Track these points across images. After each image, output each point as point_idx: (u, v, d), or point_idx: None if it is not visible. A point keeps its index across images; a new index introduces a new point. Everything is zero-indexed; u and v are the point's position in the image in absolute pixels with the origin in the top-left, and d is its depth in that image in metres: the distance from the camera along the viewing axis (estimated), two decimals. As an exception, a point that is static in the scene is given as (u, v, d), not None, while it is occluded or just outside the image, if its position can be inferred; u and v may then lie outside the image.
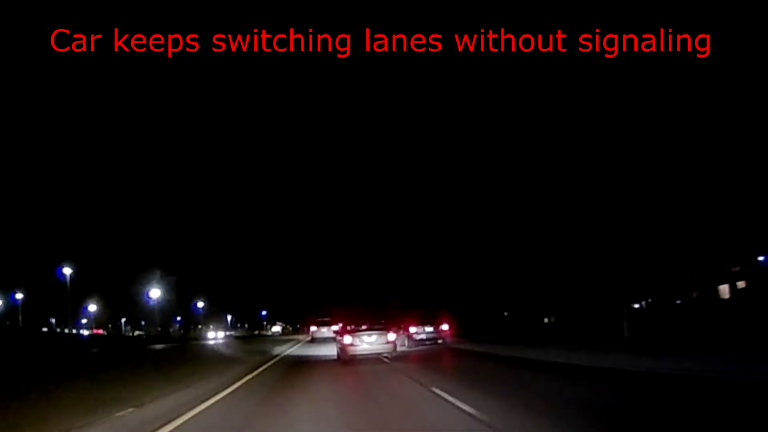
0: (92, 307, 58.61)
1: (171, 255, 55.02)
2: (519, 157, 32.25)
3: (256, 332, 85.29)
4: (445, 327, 27.02)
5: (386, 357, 18.28)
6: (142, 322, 75.07)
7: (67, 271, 43.24)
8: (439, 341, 26.12)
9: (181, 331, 76.46)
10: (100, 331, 73.06)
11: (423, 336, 26.18)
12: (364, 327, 18.41)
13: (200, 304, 66.22)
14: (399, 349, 24.85)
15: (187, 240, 59.42)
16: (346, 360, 17.65)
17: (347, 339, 17.92)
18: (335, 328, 23.30)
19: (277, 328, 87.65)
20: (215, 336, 63.85)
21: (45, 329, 60.61)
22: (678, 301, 30.65)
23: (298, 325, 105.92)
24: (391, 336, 18.43)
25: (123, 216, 49.88)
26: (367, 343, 17.72)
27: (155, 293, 48.57)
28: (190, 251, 59.60)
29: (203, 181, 69.77)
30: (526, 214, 32.08)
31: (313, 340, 37.23)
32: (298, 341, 42.54)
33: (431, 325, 26.60)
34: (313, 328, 39.65)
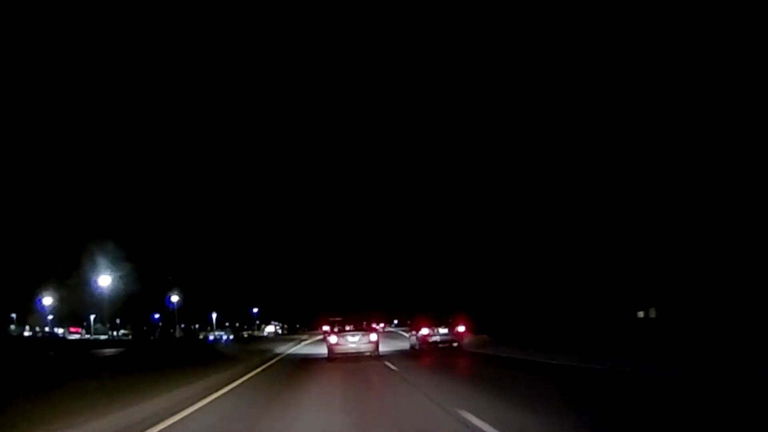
0: (47, 301, 47.88)
1: (148, 242, 50.15)
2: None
3: (246, 333, 78.03)
4: (461, 328, 24.92)
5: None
6: (117, 320, 69.53)
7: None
8: (454, 344, 24.17)
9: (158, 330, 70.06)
10: (78, 330, 68.93)
11: (437, 338, 24.20)
12: (348, 328, 20.77)
13: (174, 298, 55.65)
14: (408, 350, 25.72)
15: (164, 226, 54.43)
16: (333, 358, 20.00)
17: (333, 339, 20.48)
18: (348, 327, 23.29)
19: (270, 328, 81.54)
20: None
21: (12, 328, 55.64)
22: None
23: (297, 325, 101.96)
24: (373, 337, 20.52)
25: (87, 194, 45.33)
26: (352, 342, 20.10)
27: (105, 281, 40.43)
28: (167, 238, 54.45)
29: (185, 163, 65.97)
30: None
31: (325, 339, 37.96)
32: (300, 341, 41.30)
33: (446, 326, 24.56)
34: (325, 328, 41.38)
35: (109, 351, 28.73)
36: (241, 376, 14.46)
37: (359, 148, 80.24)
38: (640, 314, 28.97)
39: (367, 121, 73.85)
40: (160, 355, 25.94)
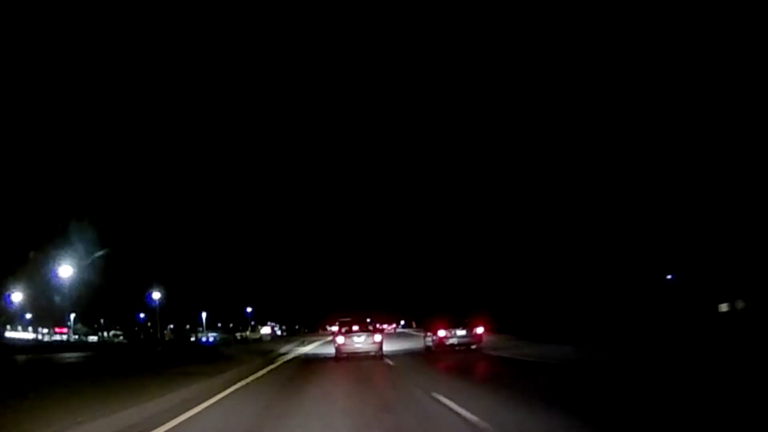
0: (16, 296, 43.63)
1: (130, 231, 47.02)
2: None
3: (239, 335, 73.24)
4: (479, 330, 24.08)
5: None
6: (101, 320, 66.22)
7: None
8: (473, 346, 23.55)
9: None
10: (65, 331, 65.88)
11: (454, 340, 23.57)
12: (355, 329, 22.28)
13: (156, 295, 51.11)
14: (422, 352, 25.04)
15: (146, 216, 51.27)
16: (339, 357, 21.63)
17: (340, 339, 22.19)
18: (355, 328, 24.28)
19: (267, 330, 77.98)
20: None
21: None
22: None
23: (297, 327, 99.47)
24: (377, 338, 22.04)
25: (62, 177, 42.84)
26: (357, 343, 21.76)
27: (66, 271, 36.75)
28: (150, 229, 51.21)
29: (173, 151, 63.55)
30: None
31: (333, 340, 38.16)
32: (301, 343, 40.38)
33: (463, 327, 23.86)
34: (333, 328, 42.80)
35: (69, 356, 25.95)
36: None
37: (367, 143, 78.77)
38: (723, 307, 25.73)
39: (376, 115, 72.65)
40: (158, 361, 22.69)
